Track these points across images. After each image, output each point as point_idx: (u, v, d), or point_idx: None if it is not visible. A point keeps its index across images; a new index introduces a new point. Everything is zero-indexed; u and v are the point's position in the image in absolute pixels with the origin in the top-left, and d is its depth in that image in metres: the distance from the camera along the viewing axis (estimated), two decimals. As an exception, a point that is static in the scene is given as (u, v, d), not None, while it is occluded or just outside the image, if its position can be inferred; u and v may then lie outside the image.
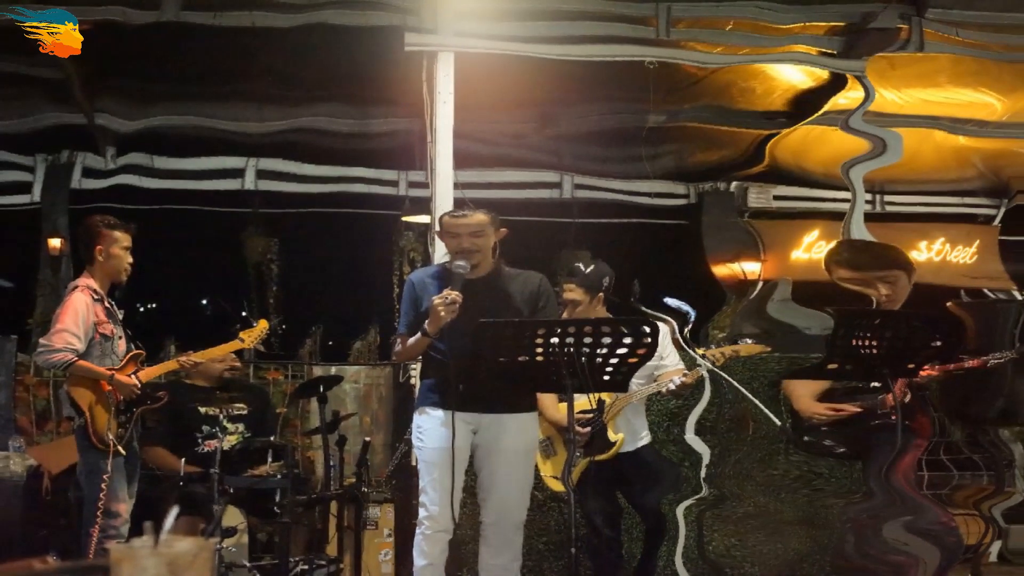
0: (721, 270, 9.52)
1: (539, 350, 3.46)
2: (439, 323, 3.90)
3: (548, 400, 4.63)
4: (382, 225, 9.06)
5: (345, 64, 6.79)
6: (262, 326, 5.18)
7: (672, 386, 4.62)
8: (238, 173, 8.68)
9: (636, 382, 4.38)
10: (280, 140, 8.14)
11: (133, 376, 4.72)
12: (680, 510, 5.40)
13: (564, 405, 3.92)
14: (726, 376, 4.93)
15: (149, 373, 4.82)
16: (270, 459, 4.92)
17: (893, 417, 4.13)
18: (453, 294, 3.85)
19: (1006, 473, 6.15)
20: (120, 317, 4.88)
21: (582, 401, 4.02)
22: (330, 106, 7.77)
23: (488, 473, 4.15)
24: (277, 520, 4.82)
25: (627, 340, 3.50)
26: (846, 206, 6.27)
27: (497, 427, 4.12)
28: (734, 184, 9.42)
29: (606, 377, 3.59)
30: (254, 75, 7.21)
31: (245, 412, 5.50)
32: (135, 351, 4.83)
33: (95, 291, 4.73)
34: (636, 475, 4.85)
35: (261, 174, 8.70)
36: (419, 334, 4.01)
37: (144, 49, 6.60)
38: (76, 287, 4.72)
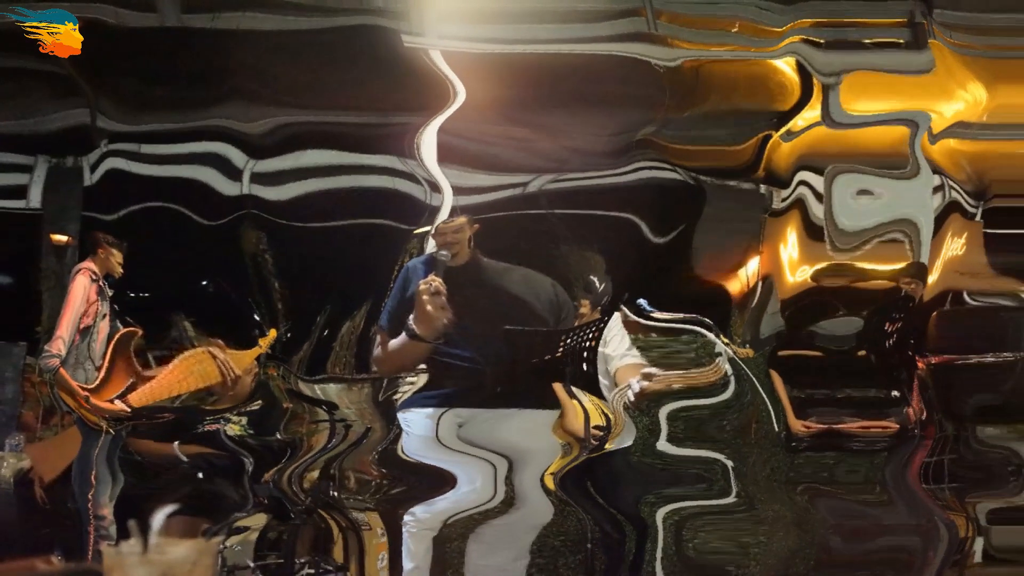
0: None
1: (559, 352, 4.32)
2: (428, 321, 4.31)
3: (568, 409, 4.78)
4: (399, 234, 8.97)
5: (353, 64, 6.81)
6: (272, 335, 5.36)
7: (630, 395, 4.66)
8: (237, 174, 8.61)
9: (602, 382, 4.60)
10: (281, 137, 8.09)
11: (118, 401, 4.61)
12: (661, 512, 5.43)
13: (581, 414, 4.39)
14: (747, 369, 4.99)
15: (153, 394, 4.72)
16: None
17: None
18: (436, 281, 4.40)
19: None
20: (109, 294, 5.10)
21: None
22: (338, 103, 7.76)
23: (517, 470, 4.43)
24: (290, 522, 4.90)
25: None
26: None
27: (492, 422, 4.37)
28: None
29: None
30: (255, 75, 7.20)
31: (258, 407, 5.55)
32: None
33: (94, 272, 5.03)
34: (613, 477, 4.95)
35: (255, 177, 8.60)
36: (404, 335, 4.37)
37: (141, 51, 6.59)
38: (79, 270, 5.01)
